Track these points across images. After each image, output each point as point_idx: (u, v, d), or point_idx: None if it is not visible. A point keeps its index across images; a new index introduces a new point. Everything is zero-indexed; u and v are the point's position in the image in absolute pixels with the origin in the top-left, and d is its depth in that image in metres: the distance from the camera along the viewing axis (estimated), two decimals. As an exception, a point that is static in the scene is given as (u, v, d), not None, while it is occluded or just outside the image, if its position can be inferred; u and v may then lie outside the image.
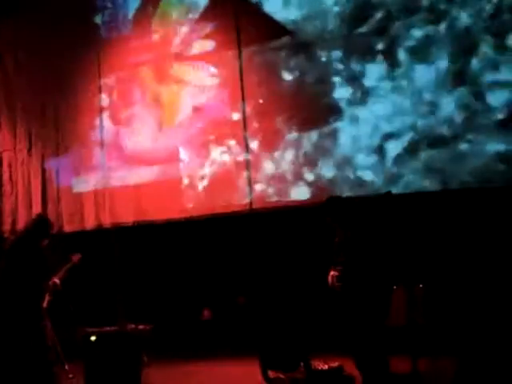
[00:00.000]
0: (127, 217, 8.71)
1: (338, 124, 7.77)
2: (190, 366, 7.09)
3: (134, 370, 6.42)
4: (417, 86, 7.45)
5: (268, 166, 8.08)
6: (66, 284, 6.77)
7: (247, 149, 8.15)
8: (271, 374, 5.57)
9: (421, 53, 7.47)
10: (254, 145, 8.17)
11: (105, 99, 9.21)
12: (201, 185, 8.45)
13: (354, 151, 7.67)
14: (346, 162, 7.70)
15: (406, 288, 5.91)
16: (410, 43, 7.50)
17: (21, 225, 8.88)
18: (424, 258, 6.71)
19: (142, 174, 8.80)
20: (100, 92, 9.17)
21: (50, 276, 6.35)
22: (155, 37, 8.98)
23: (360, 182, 7.63)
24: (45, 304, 6.30)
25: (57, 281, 6.62)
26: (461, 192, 7.21)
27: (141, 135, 8.92)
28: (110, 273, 8.39)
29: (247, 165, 8.14)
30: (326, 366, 5.69)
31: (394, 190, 7.01)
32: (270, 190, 8.04)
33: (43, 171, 9.35)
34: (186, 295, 8.34)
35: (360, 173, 7.66)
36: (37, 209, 9.19)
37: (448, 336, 6.21)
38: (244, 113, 8.24)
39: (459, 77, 7.32)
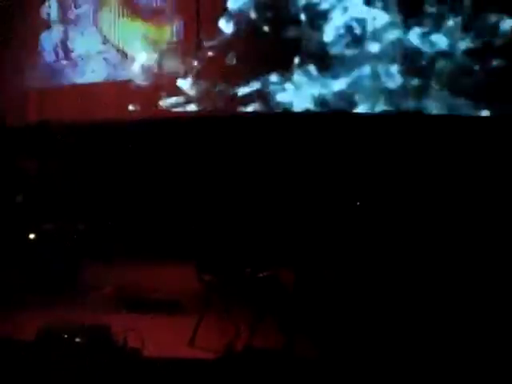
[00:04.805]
0: (72, 114, 8.62)
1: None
2: (127, 265, 7.18)
3: (72, 267, 6.54)
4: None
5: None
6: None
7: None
8: (206, 276, 5.69)
9: None
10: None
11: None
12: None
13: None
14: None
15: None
16: None
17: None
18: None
19: (91, 74, 8.69)
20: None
21: None
22: None
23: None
24: None
25: None
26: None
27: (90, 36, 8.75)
28: (53, 170, 8.31)
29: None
30: (260, 274, 5.83)
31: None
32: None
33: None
34: (128, 194, 8.33)
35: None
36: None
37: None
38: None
39: None
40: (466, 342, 5.01)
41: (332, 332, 5.33)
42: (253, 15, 7.87)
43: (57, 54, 8.94)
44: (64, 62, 8.90)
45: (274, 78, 7.90)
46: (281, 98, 7.95)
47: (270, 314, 5.16)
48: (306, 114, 7.68)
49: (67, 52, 8.88)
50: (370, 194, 6.89)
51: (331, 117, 7.46)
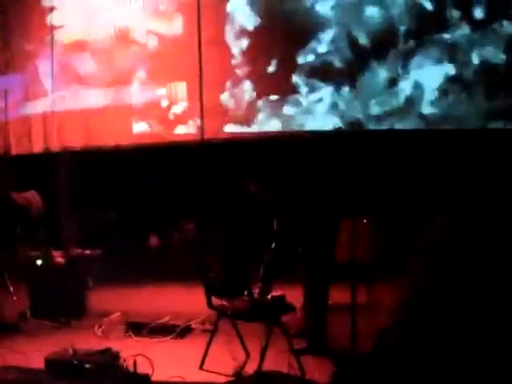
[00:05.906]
0: (75, 141, 8.63)
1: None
2: (134, 290, 7.16)
3: (79, 294, 6.51)
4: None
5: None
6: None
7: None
8: (215, 300, 5.69)
9: None
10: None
11: (56, 18, 8.94)
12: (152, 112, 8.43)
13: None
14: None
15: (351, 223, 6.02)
16: None
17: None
18: (369, 192, 6.84)
19: (92, 99, 8.69)
20: (51, 10, 8.90)
21: None
22: None
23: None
24: None
25: None
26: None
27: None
28: (59, 196, 8.33)
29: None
30: (268, 295, 5.80)
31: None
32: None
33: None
34: (133, 221, 8.36)
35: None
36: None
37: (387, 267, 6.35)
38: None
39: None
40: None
41: (343, 353, 5.29)
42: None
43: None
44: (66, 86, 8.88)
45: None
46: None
47: (279, 335, 5.11)
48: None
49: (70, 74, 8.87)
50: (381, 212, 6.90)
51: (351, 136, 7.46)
